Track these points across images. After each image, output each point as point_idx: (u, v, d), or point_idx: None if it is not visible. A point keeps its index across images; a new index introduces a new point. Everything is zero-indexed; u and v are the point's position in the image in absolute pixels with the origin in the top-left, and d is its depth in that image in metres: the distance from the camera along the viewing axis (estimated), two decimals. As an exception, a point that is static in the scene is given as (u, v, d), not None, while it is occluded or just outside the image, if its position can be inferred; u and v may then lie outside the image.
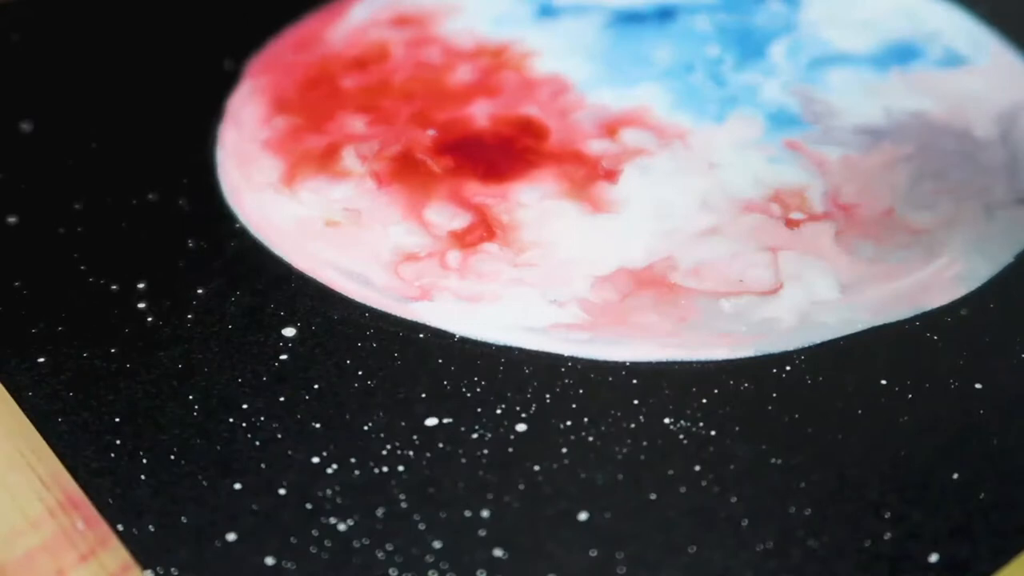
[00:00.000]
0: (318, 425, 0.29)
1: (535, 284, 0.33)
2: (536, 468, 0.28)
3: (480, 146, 0.38)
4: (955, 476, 0.28)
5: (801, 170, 0.37)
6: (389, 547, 0.27)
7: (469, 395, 0.30)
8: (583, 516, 0.27)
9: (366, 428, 0.29)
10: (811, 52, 0.42)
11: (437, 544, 0.27)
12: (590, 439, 0.29)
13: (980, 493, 0.28)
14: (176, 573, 0.26)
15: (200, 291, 0.33)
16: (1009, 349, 0.31)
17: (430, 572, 0.26)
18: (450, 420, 0.30)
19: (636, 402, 0.30)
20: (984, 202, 0.36)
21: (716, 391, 0.30)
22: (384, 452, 0.29)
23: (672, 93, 0.40)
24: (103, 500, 0.28)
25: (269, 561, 0.27)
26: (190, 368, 0.31)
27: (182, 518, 0.27)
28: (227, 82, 0.41)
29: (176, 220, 0.36)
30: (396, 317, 0.32)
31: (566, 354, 0.31)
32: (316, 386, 0.31)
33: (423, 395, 0.30)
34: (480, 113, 0.39)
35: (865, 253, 0.34)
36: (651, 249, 0.34)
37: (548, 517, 0.27)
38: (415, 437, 0.29)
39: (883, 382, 0.30)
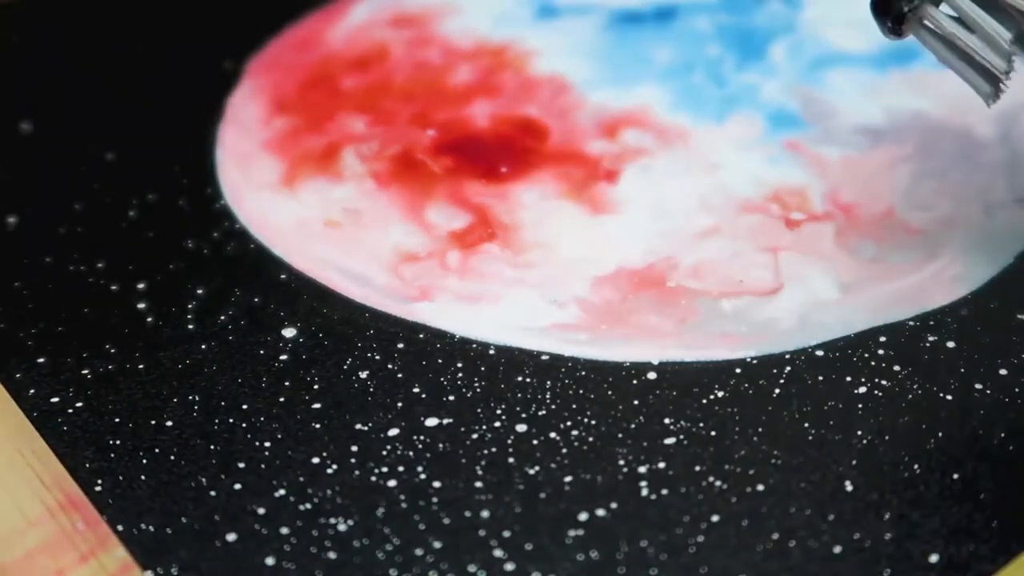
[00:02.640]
0: (318, 425, 0.29)
1: (535, 284, 0.33)
2: (536, 468, 0.28)
3: (480, 146, 0.38)
4: (955, 476, 0.28)
5: (801, 170, 0.37)
6: (389, 547, 0.27)
7: (469, 395, 0.30)
8: (583, 516, 0.27)
9: (366, 428, 0.29)
10: (811, 52, 0.42)
11: (437, 544, 0.27)
12: (590, 439, 0.29)
13: (980, 493, 0.28)
14: (176, 573, 0.26)
15: (200, 291, 0.33)
16: (1009, 349, 0.31)
17: (430, 572, 0.26)
18: (450, 420, 0.30)
19: (636, 402, 0.30)
20: (984, 202, 0.36)
21: (716, 391, 0.30)
22: (384, 452, 0.29)
23: (672, 93, 0.40)
24: (103, 500, 0.28)
25: (269, 561, 0.27)
26: (190, 368, 0.31)
27: (182, 518, 0.27)
28: (227, 82, 0.41)
29: (176, 220, 0.36)
30: (396, 317, 0.32)
31: (566, 354, 0.31)
32: (316, 386, 0.31)
33: (423, 395, 0.30)
34: (480, 113, 0.39)
35: (865, 253, 0.34)
36: (651, 249, 0.34)
37: (548, 517, 0.27)
38: (415, 437, 0.29)
39: (883, 382, 0.30)
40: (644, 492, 0.28)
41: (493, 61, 0.42)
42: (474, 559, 0.27)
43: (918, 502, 0.28)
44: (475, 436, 0.29)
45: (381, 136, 0.39)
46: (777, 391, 0.30)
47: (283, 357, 0.31)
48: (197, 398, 0.30)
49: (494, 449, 0.29)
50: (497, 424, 0.29)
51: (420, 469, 0.28)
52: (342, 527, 0.27)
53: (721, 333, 0.32)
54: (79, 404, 0.30)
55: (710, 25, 0.43)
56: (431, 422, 0.30)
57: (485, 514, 0.27)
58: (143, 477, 0.28)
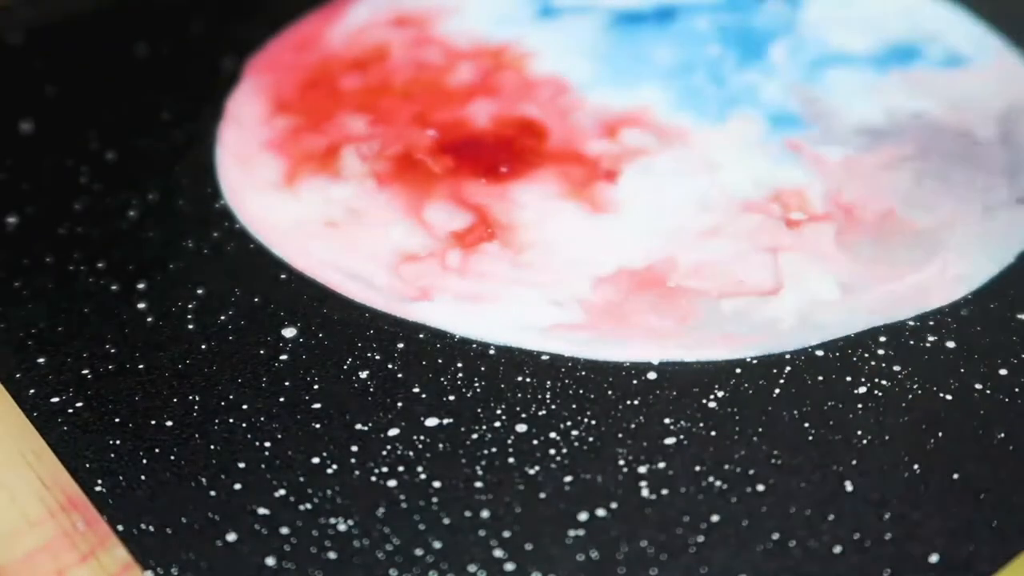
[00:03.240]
0: (318, 425, 0.29)
1: (535, 284, 0.33)
2: (536, 468, 0.28)
3: (480, 146, 0.38)
4: (955, 476, 0.28)
5: (801, 170, 0.37)
6: (389, 547, 0.27)
7: (469, 395, 0.30)
8: (583, 516, 0.27)
9: (366, 428, 0.29)
10: (811, 52, 0.42)
11: (437, 544, 0.27)
12: (590, 439, 0.29)
13: (980, 493, 0.28)
14: (176, 573, 0.26)
15: (200, 291, 0.33)
16: (1009, 349, 0.31)
17: (430, 572, 0.26)
18: (450, 420, 0.30)
19: (636, 402, 0.30)
20: (984, 202, 0.36)
21: (716, 391, 0.30)
22: (384, 452, 0.29)
23: (672, 93, 0.40)
24: (103, 500, 0.28)
25: (269, 561, 0.27)
26: (190, 368, 0.31)
27: (182, 518, 0.27)
28: (227, 82, 0.41)
29: (176, 220, 0.36)
30: (396, 317, 0.32)
31: (566, 354, 0.31)
32: (316, 386, 0.31)
33: (423, 395, 0.30)
34: (480, 113, 0.39)
35: (865, 253, 0.34)
36: (651, 249, 0.34)
37: (548, 517, 0.27)
38: (415, 437, 0.29)
39: (883, 382, 0.30)
40: (644, 492, 0.28)
41: (493, 61, 0.42)
42: (474, 559, 0.27)
43: (918, 502, 0.28)
44: (475, 436, 0.29)
45: (381, 136, 0.39)
46: (777, 391, 0.30)
47: (283, 357, 0.31)
48: (197, 398, 0.30)
49: (494, 449, 0.29)
50: (497, 424, 0.29)
51: (420, 469, 0.28)
52: (342, 527, 0.27)
53: (721, 333, 0.32)
54: (79, 404, 0.30)
55: (710, 25, 0.43)
56: (431, 422, 0.30)
57: (485, 514, 0.27)
58: (143, 477, 0.28)
